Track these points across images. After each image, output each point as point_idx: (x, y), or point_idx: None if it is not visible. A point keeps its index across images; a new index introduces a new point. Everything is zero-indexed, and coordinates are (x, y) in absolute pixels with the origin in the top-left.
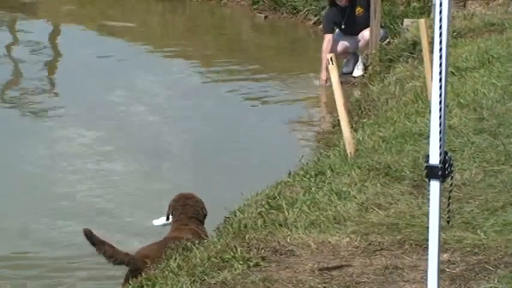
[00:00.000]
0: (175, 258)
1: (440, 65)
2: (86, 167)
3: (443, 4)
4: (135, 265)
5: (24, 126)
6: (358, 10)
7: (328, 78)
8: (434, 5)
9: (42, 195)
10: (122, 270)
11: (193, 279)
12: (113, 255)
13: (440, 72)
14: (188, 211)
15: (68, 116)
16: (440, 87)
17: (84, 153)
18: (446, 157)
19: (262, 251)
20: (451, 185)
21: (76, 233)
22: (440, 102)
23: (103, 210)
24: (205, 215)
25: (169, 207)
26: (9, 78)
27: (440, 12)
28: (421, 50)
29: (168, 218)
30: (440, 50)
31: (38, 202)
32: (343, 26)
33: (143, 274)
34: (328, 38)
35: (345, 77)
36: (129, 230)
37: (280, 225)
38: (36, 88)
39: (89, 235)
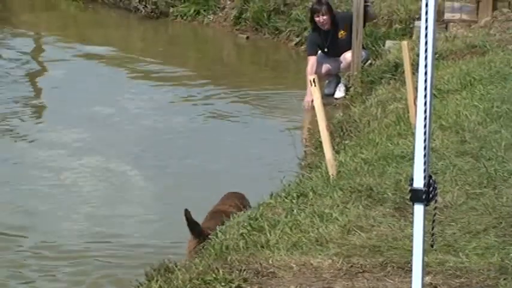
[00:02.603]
0: (157, 280)
1: (426, 88)
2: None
3: (428, 27)
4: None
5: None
6: (341, 33)
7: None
8: (417, 27)
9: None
10: None
11: None
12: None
13: (425, 96)
14: (231, 196)
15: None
16: (425, 111)
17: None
18: (431, 180)
19: (244, 272)
20: (435, 208)
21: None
22: (425, 125)
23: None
24: (244, 206)
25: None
26: None
27: (426, 35)
28: (403, 72)
29: None
30: (426, 73)
31: None
32: (326, 49)
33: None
34: (312, 60)
35: (327, 98)
36: None
37: (262, 247)
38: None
39: (188, 216)
